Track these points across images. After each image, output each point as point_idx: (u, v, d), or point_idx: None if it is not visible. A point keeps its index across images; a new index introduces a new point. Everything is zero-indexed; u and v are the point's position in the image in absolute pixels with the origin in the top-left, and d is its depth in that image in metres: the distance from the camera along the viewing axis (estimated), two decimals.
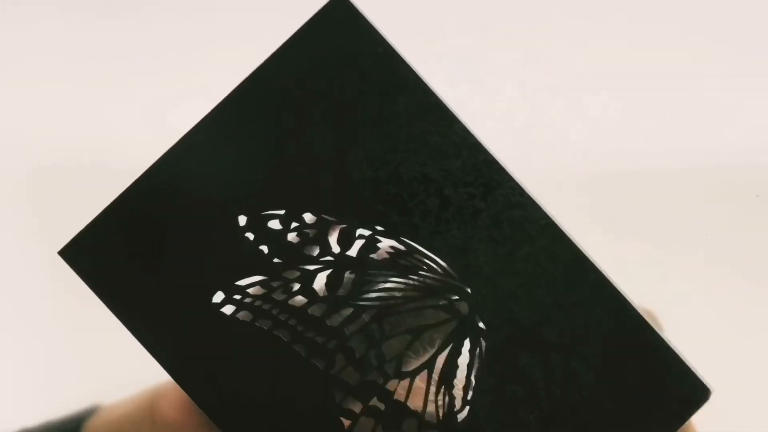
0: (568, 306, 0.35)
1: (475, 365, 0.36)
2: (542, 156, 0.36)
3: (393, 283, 0.36)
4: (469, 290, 0.36)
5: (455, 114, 0.36)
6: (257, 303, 0.36)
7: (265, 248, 0.36)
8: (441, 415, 0.36)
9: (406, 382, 0.36)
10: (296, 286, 0.36)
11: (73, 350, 0.36)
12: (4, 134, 0.38)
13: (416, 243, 0.36)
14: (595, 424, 0.35)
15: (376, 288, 0.36)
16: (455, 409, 0.36)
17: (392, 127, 0.36)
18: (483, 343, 0.36)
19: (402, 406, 0.36)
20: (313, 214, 0.36)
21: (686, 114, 0.36)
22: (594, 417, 0.35)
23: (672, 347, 0.35)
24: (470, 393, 0.35)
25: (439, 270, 0.36)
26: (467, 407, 0.36)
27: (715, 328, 0.36)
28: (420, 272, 0.36)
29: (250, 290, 0.36)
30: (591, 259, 0.35)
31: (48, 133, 0.37)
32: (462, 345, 0.36)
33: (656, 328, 0.35)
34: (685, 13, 0.37)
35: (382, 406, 0.36)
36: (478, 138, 0.36)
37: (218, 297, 0.36)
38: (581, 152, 0.36)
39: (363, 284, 0.36)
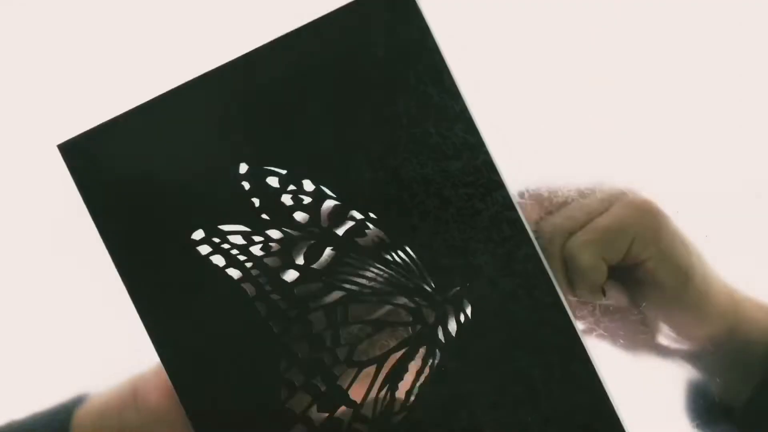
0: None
1: (424, 373, 0.36)
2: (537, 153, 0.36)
3: (370, 272, 0.36)
4: (439, 300, 0.36)
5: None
6: (233, 252, 0.36)
7: (257, 201, 0.36)
8: (377, 412, 0.36)
9: (352, 371, 0.36)
10: (275, 247, 0.36)
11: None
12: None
13: (413, 242, 0.36)
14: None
15: (352, 272, 0.36)
16: (393, 410, 0.36)
17: (394, 127, 0.36)
18: (438, 355, 0.36)
19: (342, 393, 0.36)
20: (313, 183, 0.36)
21: (686, 114, 0.37)
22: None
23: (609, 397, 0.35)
24: (411, 398, 0.36)
25: (418, 273, 0.36)
26: (404, 412, 0.36)
27: None
28: (399, 269, 0.36)
29: (230, 237, 0.36)
30: None
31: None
32: (417, 351, 0.36)
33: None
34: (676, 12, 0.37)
35: (322, 387, 0.36)
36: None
37: (198, 234, 0.36)
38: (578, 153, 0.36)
39: (340, 264, 0.36)
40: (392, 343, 0.36)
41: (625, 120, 0.37)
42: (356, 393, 0.36)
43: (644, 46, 0.37)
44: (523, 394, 0.35)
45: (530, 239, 0.36)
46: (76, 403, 0.37)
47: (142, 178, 0.36)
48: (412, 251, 0.36)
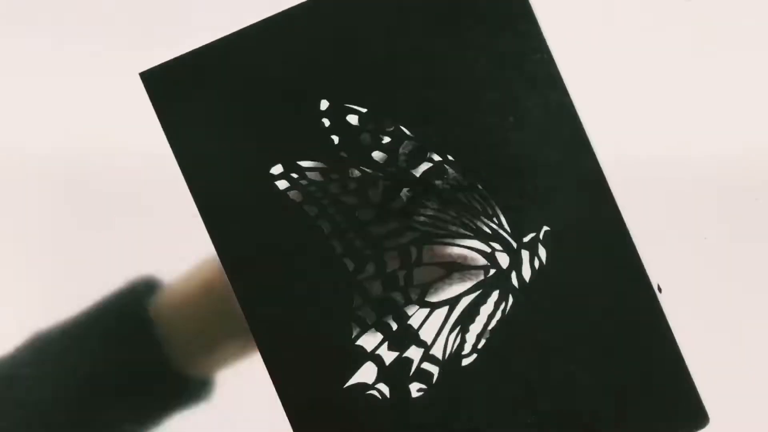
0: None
1: (496, 317, 0.36)
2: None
3: (446, 214, 0.36)
4: (514, 244, 0.36)
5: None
6: (311, 188, 0.36)
7: (336, 138, 0.36)
8: (447, 354, 0.36)
9: (424, 312, 0.36)
10: (352, 185, 0.36)
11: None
12: None
13: (491, 186, 0.36)
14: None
15: (428, 213, 0.36)
16: (462, 353, 0.36)
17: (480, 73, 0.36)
18: (510, 300, 0.36)
19: (412, 333, 0.36)
20: (393, 123, 0.36)
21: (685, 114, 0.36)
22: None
23: (685, 364, 0.35)
24: (482, 342, 0.36)
25: (494, 217, 0.36)
26: (474, 355, 0.36)
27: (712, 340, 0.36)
28: (475, 212, 0.36)
29: (308, 174, 0.36)
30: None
31: None
32: (490, 295, 0.36)
33: None
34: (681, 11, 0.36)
35: (394, 326, 0.36)
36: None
37: (277, 169, 0.36)
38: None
39: (417, 205, 0.36)
40: (465, 286, 0.36)
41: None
42: (427, 334, 0.36)
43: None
44: (593, 349, 0.35)
45: (613, 199, 0.35)
46: (147, 290, 0.37)
47: (222, 110, 0.36)
48: (490, 195, 0.36)
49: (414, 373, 0.36)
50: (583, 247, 0.36)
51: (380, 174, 0.36)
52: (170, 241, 0.37)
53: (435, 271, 0.36)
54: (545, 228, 0.36)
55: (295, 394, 0.36)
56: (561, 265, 0.35)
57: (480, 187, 0.36)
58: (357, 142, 0.36)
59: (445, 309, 0.36)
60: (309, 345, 0.36)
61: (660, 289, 0.36)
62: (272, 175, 0.36)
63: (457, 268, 0.36)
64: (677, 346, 0.35)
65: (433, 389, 0.36)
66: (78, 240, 0.37)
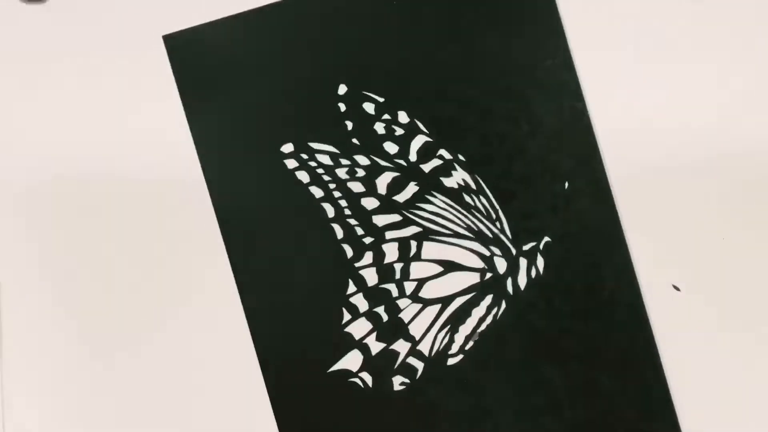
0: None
1: (486, 321, 0.36)
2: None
3: (449, 212, 0.36)
4: (513, 251, 0.36)
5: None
6: (319, 170, 0.36)
7: (350, 125, 0.36)
8: (434, 350, 0.36)
9: (416, 307, 0.36)
10: (361, 173, 0.36)
11: None
12: None
13: (498, 191, 0.36)
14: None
15: (432, 210, 0.36)
16: (449, 352, 0.36)
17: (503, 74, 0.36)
18: (503, 306, 0.36)
19: (402, 326, 0.36)
20: (408, 116, 0.36)
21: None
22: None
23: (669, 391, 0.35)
24: (470, 344, 0.36)
25: (497, 222, 0.36)
26: (461, 355, 0.36)
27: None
28: (479, 215, 0.36)
29: (318, 156, 0.36)
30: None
31: None
32: (483, 298, 0.36)
33: None
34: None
35: (384, 317, 0.36)
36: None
37: (287, 148, 0.36)
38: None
39: (421, 200, 0.36)
40: (460, 287, 0.36)
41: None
42: (416, 329, 0.36)
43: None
44: (579, 361, 0.35)
45: (618, 219, 0.35)
46: None
47: (239, 81, 0.36)
48: (495, 199, 0.36)
49: (399, 366, 0.36)
50: (580, 260, 0.36)
51: (390, 165, 0.36)
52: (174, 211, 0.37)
53: (432, 267, 0.36)
54: (546, 239, 0.36)
55: (277, 371, 0.36)
56: (557, 277, 0.36)
57: (487, 190, 0.36)
58: (370, 131, 0.36)
59: (437, 307, 0.36)
60: (298, 326, 0.36)
61: (677, 288, 0.36)
62: (282, 152, 0.36)
63: (454, 267, 0.36)
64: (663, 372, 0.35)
65: (415, 384, 0.36)
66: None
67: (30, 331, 0.37)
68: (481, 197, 0.36)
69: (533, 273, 0.36)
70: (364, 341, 0.36)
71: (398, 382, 0.36)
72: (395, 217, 0.36)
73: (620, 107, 0.36)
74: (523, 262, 0.36)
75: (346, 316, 0.36)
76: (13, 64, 0.37)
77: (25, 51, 0.38)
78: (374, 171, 0.36)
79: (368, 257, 0.36)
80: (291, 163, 0.36)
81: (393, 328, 0.36)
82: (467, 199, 0.36)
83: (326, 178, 0.36)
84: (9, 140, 0.38)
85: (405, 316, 0.36)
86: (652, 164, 0.36)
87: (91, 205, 0.37)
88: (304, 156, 0.36)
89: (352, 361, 0.36)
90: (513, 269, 0.36)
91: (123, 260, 0.37)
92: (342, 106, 0.36)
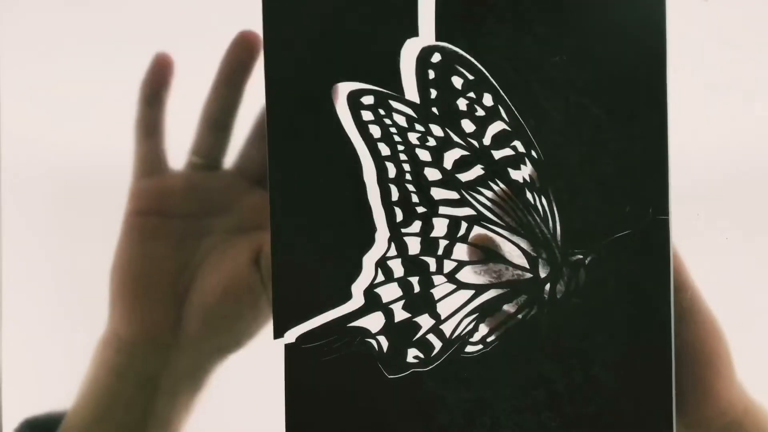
0: None
1: (514, 320, 0.36)
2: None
3: (507, 204, 0.36)
4: (559, 258, 0.36)
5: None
6: (392, 129, 0.36)
7: (434, 93, 0.36)
8: (455, 334, 0.36)
9: (450, 287, 0.36)
10: (432, 143, 0.36)
11: None
12: None
13: (561, 195, 0.35)
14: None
15: (491, 197, 0.36)
16: (470, 339, 0.36)
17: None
18: (535, 309, 0.36)
19: (431, 301, 0.36)
20: (493, 100, 0.36)
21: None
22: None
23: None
24: (492, 337, 0.36)
25: (551, 225, 0.36)
26: (480, 346, 0.36)
27: None
28: (535, 214, 0.36)
29: (395, 115, 0.36)
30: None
31: None
32: (517, 296, 0.36)
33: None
34: None
35: (416, 288, 0.36)
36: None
37: (367, 99, 0.36)
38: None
39: (484, 185, 0.36)
40: (498, 279, 0.36)
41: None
42: (444, 308, 0.36)
43: None
44: (596, 387, 0.35)
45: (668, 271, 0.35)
46: None
47: (333, 22, 0.36)
48: (556, 203, 0.36)
49: (417, 339, 0.36)
50: (623, 289, 0.35)
51: (462, 143, 0.36)
52: None
53: (475, 253, 0.36)
54: (593, 255, 0.35)
55: (294, 314, 0.36)
56: (594, 295, 0.35)
57: (550, 192, 0.35)
58: (453, 104, 0.36)
59: (470, 292, 0.36)
60: (330, 280, 0.36)
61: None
62: (361, 103, 0.36)
63: (497, 258, 0.36)
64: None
65: (428, 361, 0.36)
66: None
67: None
68: (542, 197, 0.36)
69: (573, 286, 0.35)
70: (390, 306, 0.36)
71: (412, 354, 0.36)
72: (453, 194, 0.36)
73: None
74: (565, 272, 0.36)
75: (380, 277, 0.36)
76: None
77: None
78: (445, 144, 0.36)
79: (416, 226, 0.36)
80: (367, 115, 0.36)
81: (421, 301, 0.36)
82: (528, 195, 0.36)
83: (397, 138, 0.36)
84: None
85: (436, 292, 0.36)
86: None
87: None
88: (382, 111, 0.36)
89: (374, 321, 0.36)
90: (554, 276, 0.36)
91: None
92: (431, 73, 0.36)
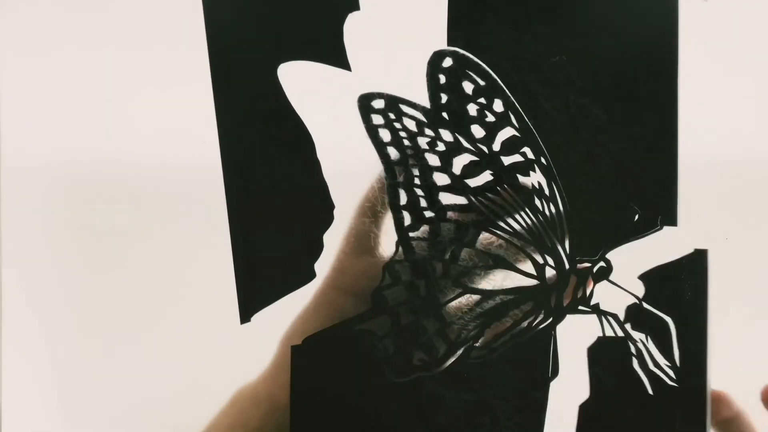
0: None
1: (519, 327, 0.36)
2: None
3: (515, 210, 0.36)
4: (567, 267, 0.36)
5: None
6: (402, 134, 0.36)
7: (444, 97, 0.36)
8: (460, 337, 0.36)
9: (455, 291, 0.36)
10: (441, 147, 0.36)
11: None
12: None
13: (569, 203, 0.35)
14: None
15: (499, 202, 0.36)
16: (475, 344, 0.36)
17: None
18: (540, 317, 0.36)
19: (436, 303, 0.36)
20: (504, 106, 0.36)
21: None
22: None
23: None
24: (497, 343, 0.36)
25: (559, 233, 0.36)
26: (484, 352, 0.36)
27: None
28: (543, 222, 0.36)
29: (405, 119, 0.36)
30: None
31: None
32: (523, 303, 0.36)
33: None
34: None
35: (423, 290, 0.36)
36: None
37: (378, 103, 0.36)
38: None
39: (492, 191, 0.36)
40: (504, 285, 0.36)
41: None
42: (449, 312, 0.36)
43: None
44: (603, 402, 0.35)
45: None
46: None
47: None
48: (564, 211, 0.36)
49: (422, 342, 0.36)
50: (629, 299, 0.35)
51: (471, 148, 0.36)
52: None
53: (482, 257, 0.36)
54: (601, 264, 0.36)
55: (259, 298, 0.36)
56: (602, 303, 0.35)
57: (559, 200, 0.35)
58: (463, 110, 0.36)
59: (476, 297, 0.36)
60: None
61: None
62: (371, 107, 0.36)
63: (504, 263, 0.36)
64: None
65: (432, 365, 0.36)
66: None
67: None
68: (551, 205, 0.36)
69: (579, 293, 0.36)
70: (397, 308, 0.36)
71: (417, 357, 0.36)
72: (461, 200, 0.36)
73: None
74: (572, 280, 0.36)
75: (387, 280, 0.36)
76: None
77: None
78: (454, 149, 0.36)
79: (424, 230, 0.36)
80: (377, 119, 0.36)
81: (427, 305, 0.36)
82: (537, 202, 0.36)
83: (406, 143, 0.36)
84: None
85: (442, 296, 0.36)
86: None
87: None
88: (392, 115, 0.36)
89: (380, 324, 0.36)
90: (561, 284, 0.36)
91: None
92: (442, 78, 0.36)
